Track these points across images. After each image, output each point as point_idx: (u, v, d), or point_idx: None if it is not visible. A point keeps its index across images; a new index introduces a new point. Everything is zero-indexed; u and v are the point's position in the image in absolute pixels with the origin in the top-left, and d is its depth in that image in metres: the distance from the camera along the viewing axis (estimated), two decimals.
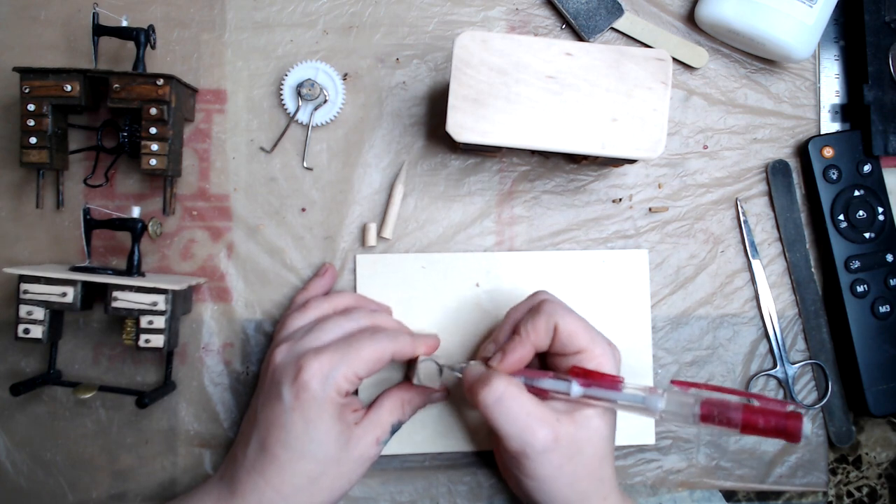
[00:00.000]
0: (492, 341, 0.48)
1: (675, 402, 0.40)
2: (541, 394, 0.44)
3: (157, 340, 0.47)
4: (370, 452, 0.46)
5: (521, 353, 0.44)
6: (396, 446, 0.51)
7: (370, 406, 0.48)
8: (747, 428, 0.38)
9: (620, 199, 0.55)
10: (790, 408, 0.38)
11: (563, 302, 0.47)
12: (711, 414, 0.39)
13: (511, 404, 0.42)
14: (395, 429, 0.48)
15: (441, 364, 0.48)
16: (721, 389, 0.40)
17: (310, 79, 0.52)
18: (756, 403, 0.39)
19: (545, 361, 0.47)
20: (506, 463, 0.46)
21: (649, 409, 0.41)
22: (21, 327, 0.47)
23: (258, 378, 0.51)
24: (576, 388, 0.42)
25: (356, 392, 0.51)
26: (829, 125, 0.56)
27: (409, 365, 0.50)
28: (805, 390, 0.55)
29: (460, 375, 0.47)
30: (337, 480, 0.45)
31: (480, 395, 0.42)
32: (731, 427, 0.38)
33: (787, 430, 0.37)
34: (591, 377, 0.43)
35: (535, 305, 0.46)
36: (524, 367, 0.45)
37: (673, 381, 0.42)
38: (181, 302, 0.50)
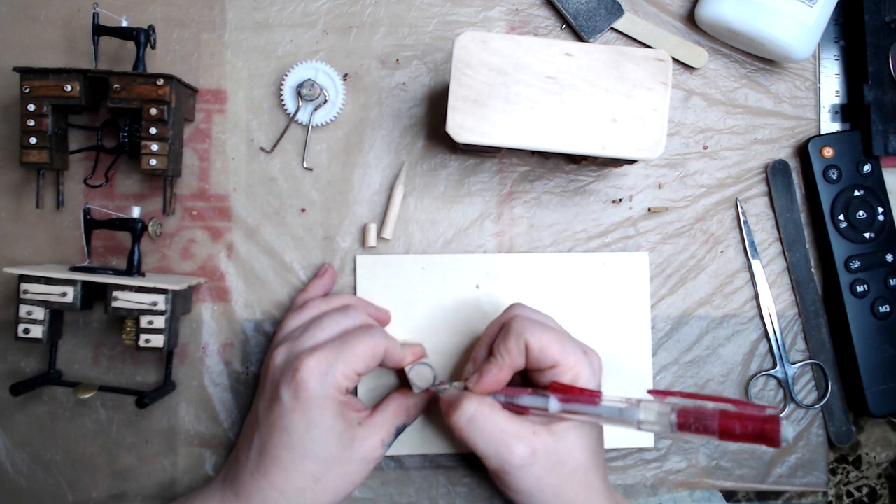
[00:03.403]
0: (472, 361, 0.48)
1: (652, 413, 0.40)
2: (521, 410, 0.44)
3: (157, 340, 0.47)
4: (375, 453, 0.46)
5: (498, 375, 0.44)
6: (396, 448, 0.51)
7: (375, 407, 0.48)
8: (725, 434, 0.37)
9: (620, 200, 0.55)
10: (768, 411, 0.37)
11: (534, 315, 0.47)
12: (688, 422, 0.39)
13: (483, 424, 0.42)
14: (399, 431, 0.48)
15: (437, 376, 0.48)
16: (700, 397, 0.40)
17: (310, 79, 0.52)
18: (733, 409, 0.38)
19: (525, 377, 0.47)
20: (493, 479, 0.46)
21: (627, 420, 0.41)
22: (21, 327, 0.47)
23: (258, 379, 0.51)
24: (554, 404, 0.43)
25: (356, 392, 0.52)
26: (829, 125, 0.56)
27: (404, 378, 0.50)
28: (805, 390, 0.55)
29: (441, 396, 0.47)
30: (341, 481, 0.45)
31: (452, 419, 0.43)
32: (708, 434, 0.38)
33: (764, 434, 0.36)
34: (568, 392, 0.43)
35: (505, 323, 0.46)
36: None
37: (650, 391, 0.42)
38: (181, 302, 0.50)
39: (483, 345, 0.47)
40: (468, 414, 0.43)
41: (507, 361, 0.44)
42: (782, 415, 0.54)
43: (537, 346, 0.43)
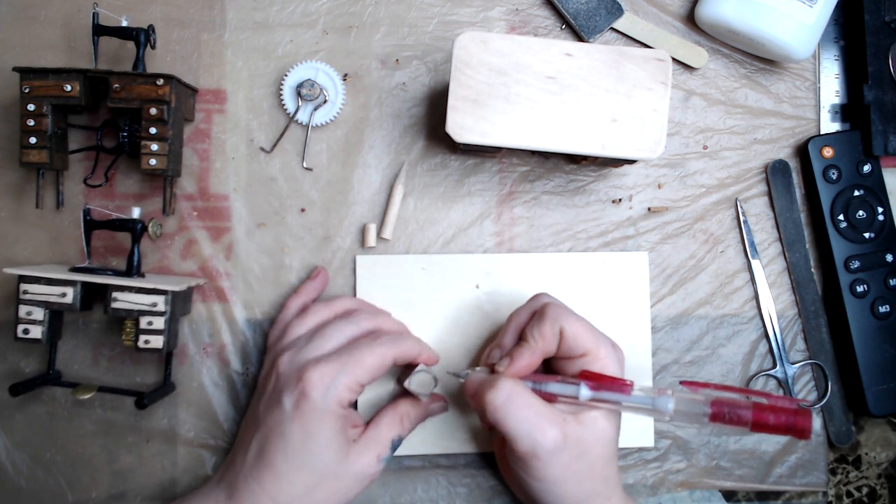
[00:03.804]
0: (496, 347, 0.47)
1: (684, 403, 0.41)
2: (548, 398, 0.43)
3: (157, 341, 0.47)
4: (370, 470, 0.45)
5: (530, 359, 0.44)
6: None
7: (368, 423, 0.47)
8: (758, 426, 0.38)
9: (620, 200, 0.55)
10: (800, 405, 0.38)
11: (565, 304, 0.47)
12: (722, 413, 0.39)
13: (519, 403, 0.42)
14: (395, 444, 0.47)
15: (437, 378, 0.48)
16: (729, 388, 0.41)
17: (310, 79, 0.52)
18: (764, 401, 0.39)
19: (549, 365, 0.47)
20: (512, 467, 0.45)
21: (659, 410, 0.41)
22: (21, 328, 0.47)
23: (256, 381, 0.51)
24: (584, 392, 0.42)
25: (356, 406, 0.51)
26: (829, 125, 0.56)
27: (403, 370, 0.50)
28: (805, 390, 0.55)
29: (462, 380, 0.46)
30: (333, 494, 0.44)
31: (488, 397, 0.42)
32: (741, 425, 0.39)
33: (796, 427, 0.38)
34: (600, 380, 0.43)
35: (538, 309, 0.46)
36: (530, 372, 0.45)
37: (682, 382, 0.42)
38: (181, 303, 0.50)
39: (510, 331, 0.47)
40: (505, 393, 0.42)
41: (541, 346, 0.44)
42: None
43: (571, 332, 0.43)
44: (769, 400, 0.39)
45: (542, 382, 0.44)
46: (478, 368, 0.46)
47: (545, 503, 0.44)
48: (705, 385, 0.41)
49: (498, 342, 0.48)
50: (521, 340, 0.45)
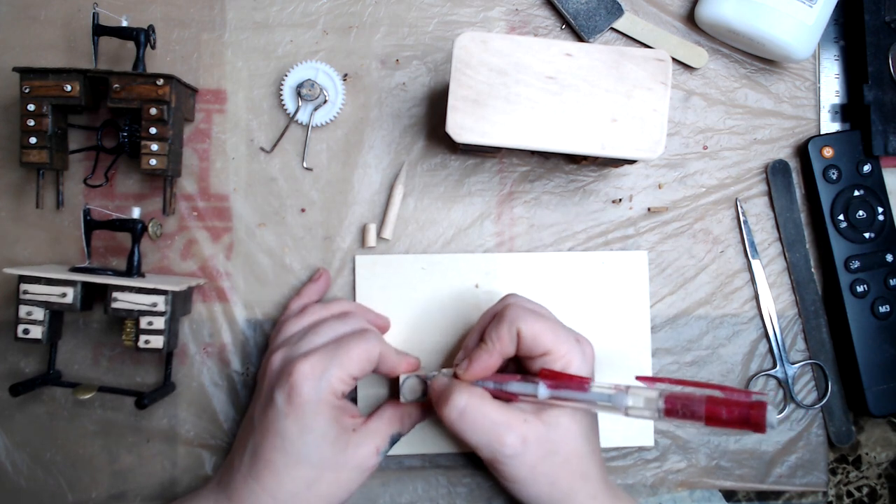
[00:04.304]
0: (462, 348, 0.48)
1: (640, 399, 0.40)
2: (510, 397, 0.44)
3: (157, 341, 0.47)
4: (369, 461, 0.45)
5: (487, 361, 0.44)
6: (397, 447, 0.51)
7: (370, 415, 0.47)
8: (711, 420, 0.38)
9: (620, 200, 0.55)
10: (755, 397, 0.37)
11: (528, 304, 0.47)
12: (675, 408, 0.39)
13: (474, 416, 0.42)
14: (394, 439, 0.47)
15: (423, 377, 0.48)
16: (688, 383, 0.40)
17: (310, 79, 0.52)
18: (720, 395, 0.38)
19: (518, 364, 0.47)
20: (489, 469, 0.46)
21: (616, 406, 0.41)
22: (21, 328, 0.47)
23: (255, 381, 0.51)
24: (542, 391, 0.43)
25: (355, 400, 0.51)
26: (829, 125, 0.56)
27: (396, 387, 0.50)
28: (805, 390, 0.55)
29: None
30: (334, 487, 0.44)
31: (444, 412, 0.43)
32: (695, 420, 0.38)
33: (750, 419, 0.37)
34: (558, 379, 0.43)
35: (499, 311, 0.46)
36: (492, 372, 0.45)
37: (639, 377, 0.42)
38: (181, 303, 0.50)
39: (475, 332, 0.47)
40: (459, 407, 0.42)
41: (498, 348, 0.44)
42: (780, 414, 0.54)
43: (529, 333, 0.43)
44: (725, 393, 0.38)
45: (503, 382, 0.44)
46: (444, 371, 0.47)
47: (526, 502, 0.45)
48: (662, 380, 0.41)
49: (465, 343, 0.48)
50: (480, 342, 0.45)
